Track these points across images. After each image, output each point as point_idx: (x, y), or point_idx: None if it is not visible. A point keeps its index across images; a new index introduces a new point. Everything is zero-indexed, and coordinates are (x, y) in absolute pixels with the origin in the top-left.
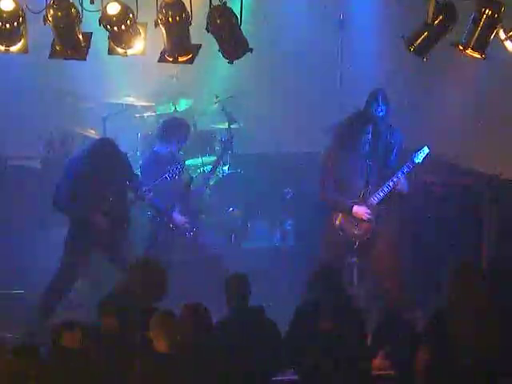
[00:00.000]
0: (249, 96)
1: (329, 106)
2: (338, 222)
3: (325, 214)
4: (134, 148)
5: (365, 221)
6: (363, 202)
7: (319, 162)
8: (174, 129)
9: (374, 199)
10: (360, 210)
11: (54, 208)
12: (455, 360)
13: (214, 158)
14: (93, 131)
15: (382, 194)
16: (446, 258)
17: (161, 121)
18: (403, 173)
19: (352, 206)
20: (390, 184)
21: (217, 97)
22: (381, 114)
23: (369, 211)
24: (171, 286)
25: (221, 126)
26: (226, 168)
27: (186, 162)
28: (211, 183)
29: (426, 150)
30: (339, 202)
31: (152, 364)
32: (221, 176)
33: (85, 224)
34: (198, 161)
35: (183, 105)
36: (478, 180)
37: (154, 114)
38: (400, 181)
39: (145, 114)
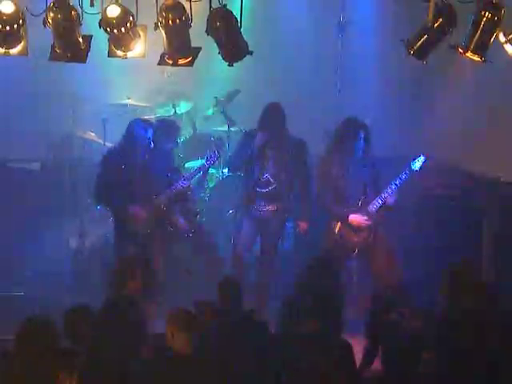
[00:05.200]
0: (249, 98)
1: (328, 109)
2: (337, 230)
3: (324, 216)
4: None
5: (364, 228)
6: (362, 209)
7: (316, 169)
8: (168, 129)
9: (374, 207)
10: (357, 219)
11: (95, 202)
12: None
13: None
14: (93, 133)
15: (380, 202)
16: (446, 261)
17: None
18: (401, 179)
19: (348, 215)
20: (389, 191)
21: (217, 99)
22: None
23: (366, 217)
24: (171, 286)
25: (220, 129)
26: (225, 170)
27: (186, 165)
28: (211, 185)
29: (421, 158)
30: (335, 211)
31: (173, 366)
32: (220, 178)
33: (127, 219)
34: (198, 163)
35: (183, 107)
36: (478, 183)
37: (153, 116)
38: (393, 193)
39: (145, 117)
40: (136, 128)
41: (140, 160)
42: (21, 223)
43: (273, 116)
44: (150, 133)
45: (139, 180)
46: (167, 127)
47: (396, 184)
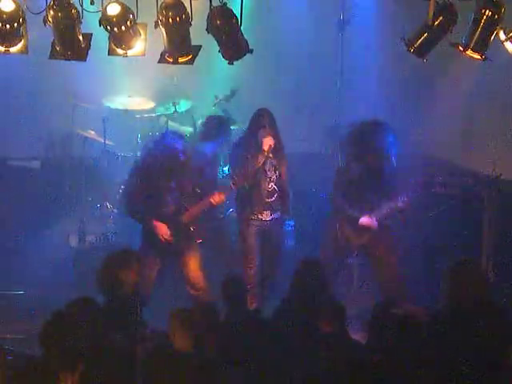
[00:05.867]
0: (249, 97)
1: (328, 107)
2: (340, 231)
3: (325, 215)
4: (133, 149)
5: (370, 230)
6: (371, 213)
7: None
8: (221, 127)
9: (382, 212)
10: (366, 220)
11: (125, 213)
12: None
13: None
14: (93, 132)
15: (389, 210)
16: (446, 260)
17: (199, 120)
18: (414, 193)
19: (358, 217)
20: (399, 204)
21: (216, 97)
22: None
23: (374, 219)
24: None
25: None
26: (225, 169)
27: None
28: None
29: None
30: (345, 210)
31: (173, 363)
32: (220, 176)
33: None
34: None
35: (183, 105)
36: (477, 180)
37: (154, 114)
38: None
39: (145, 115)
40: (167, 140)
41: (171, 171)
42: (21, 221)
43: (271, 121)
44: (180, 144)
45: (170, 192)
46: (219, 124)
47: (408, 196)
